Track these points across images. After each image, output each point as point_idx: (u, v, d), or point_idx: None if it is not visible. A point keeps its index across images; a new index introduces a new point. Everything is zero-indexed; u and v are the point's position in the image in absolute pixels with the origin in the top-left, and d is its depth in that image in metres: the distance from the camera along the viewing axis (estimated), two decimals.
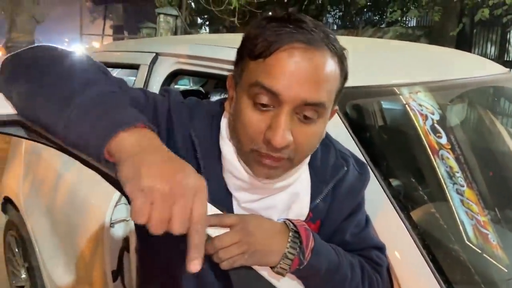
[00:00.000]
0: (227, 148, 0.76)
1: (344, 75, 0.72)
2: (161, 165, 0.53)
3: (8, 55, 0.70)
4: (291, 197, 0.80)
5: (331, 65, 0.68)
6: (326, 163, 0.84)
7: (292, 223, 0.76)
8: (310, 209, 0.82)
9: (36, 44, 0.72)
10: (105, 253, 1.52)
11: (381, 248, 0.90)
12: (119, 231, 1.54)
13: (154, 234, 0.51)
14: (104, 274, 1.54)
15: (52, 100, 0.61)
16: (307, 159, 0.80)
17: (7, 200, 2.36)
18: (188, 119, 0.79)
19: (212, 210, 0.72)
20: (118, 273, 1.56)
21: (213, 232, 0.71)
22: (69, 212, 1.80)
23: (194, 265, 0.52)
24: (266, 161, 0.69)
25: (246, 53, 0.70)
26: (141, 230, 0.93)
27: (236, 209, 0.79)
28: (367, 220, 0.90)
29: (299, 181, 0.80)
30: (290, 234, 0.74)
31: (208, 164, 0.77)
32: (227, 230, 0.71)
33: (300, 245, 0.73)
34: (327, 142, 0.87)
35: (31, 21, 6.90)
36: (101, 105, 0.60)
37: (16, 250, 2.31)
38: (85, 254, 1.67)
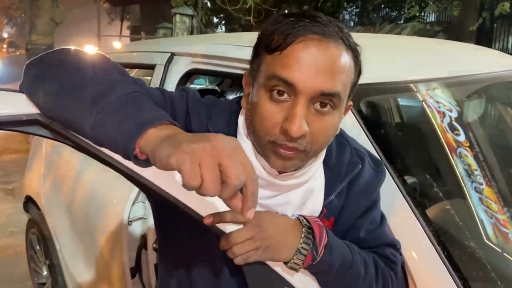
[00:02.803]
0: (245, 145, 0.77)
1: (358, 69, 0.73)
2: (195, 137, 0.55)
3: (32, 58, 0.72)
4: (305, 193, 0.80)
5: (345, 57, 0.69)
6: (341, 161, 0.85)
7: (306, 219, 0.76)
8: (324, 205, 0.83)
9: (60, 47, 0.73)
10: (124, 250, 1.54)
11: (395, 246, 0.89)
12: (137, 229, 1.57)
13: (211, 195, 0.51)
14: (123, 271, 1.57)
15: (79, 100, 0.62)
16: (322, 156, 0.80)
17: (29, 199, 2.41)
18: (206, 118, 0.80)
19: (226, 207, 0.73)
20: (136, 270, 1.58)
21: (228, 228, 0.72)
22: (88, 210, 1.83)
23: (251, 213, 0.54)
24: (282, 152, 0.69)
25: (262, 49, 0.72)
26: (161, 227, 0.95)
27: None
28: (382, 217, 0.90)
29: (314, 178, 0.81)
30: (304, 230, 0.74)
31: None
32: (241, 226, 0.72)
33: (313, 240, 0.74)
34: (343, 140, 0.87)
35: (50, 23, 7.01)
36: (127, 104, 0.62)
37: (38, 247, 2.36)
38: (104, 251, 1.70)
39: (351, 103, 0.78)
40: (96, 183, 1.79)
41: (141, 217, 1.56)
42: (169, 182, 0.71)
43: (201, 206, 0.72)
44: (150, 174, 0.70)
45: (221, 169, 0.52)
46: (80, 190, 1.90)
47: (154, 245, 1.51)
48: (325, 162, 0.82)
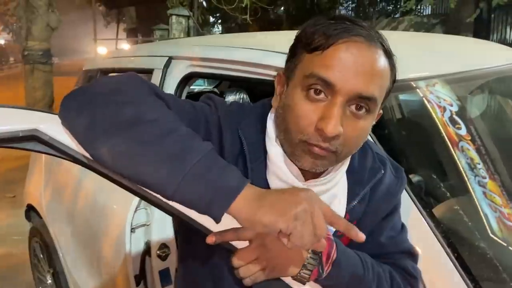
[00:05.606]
0: (274, 150, 0.76)
1: (393, 77, 0.73)
2: (287, 197, 0.63)
3: (73, 93, 0.70)
4: (328, 199, 0.80)
5: (384, 63, 0.69)
6: (363, 166, 0.84)
7: None
8: (347, 211, 0.82)
9: (103, 80, 0.73)
10: (127, 258, 1.53)
11: (415, 256, 0.89)
12: (140, 236, 1.55)
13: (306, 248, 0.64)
14: (127, 279, 1.56)
15: (154, 163, 0.62)
16: (347, 162, 0.80)
17: (30, 208, 2.40)
18: (236, 124, 0.80)
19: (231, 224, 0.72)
20: (141, 278, 1.57)
21: (237, 243, 0.71)
22: (90, 218, 1.82)
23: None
24: (314, 150, 0.69)
25: (301, 48, 0.72)
26: (184, 232, 0.94)
27: None
28: (403, 226, 0.91)
29: (337, 183, 0.80)
30: None
31: (255, 166, 0.78)
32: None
33: (320, 254, 0.72)
34: (364, 145, 0.86)
35: (46, 28, 6.98)
36: (210, 169, 0.63)
37: (41, 256, 2.35)
38: (107, 259, 1.69)
39: (381, 111, 0.77)
40: (97, 191, 1.78)
41: (144, 224, 1.55)
42: None
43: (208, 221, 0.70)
44: None
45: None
46: (82, 197, 1.89)
47: (158, 251, 1.50)
48: (347, 167, 0.81)
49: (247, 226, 0.63)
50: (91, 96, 0.69)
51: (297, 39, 0.74)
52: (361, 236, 0.65)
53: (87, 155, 0.67)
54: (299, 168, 0.75)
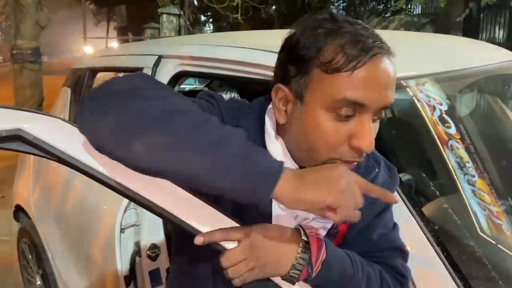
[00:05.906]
0: (273, 146, 0.77)
1: None
2: (326, 172, 0.66)
3: (88, 98, 0.68)
4: None
5: (393, 68, 0.72)
6: (358, 165, 0.84)
7: (305, 231, 0.74)
8: None
9: (111, 82, 0.70)
10: (117, 258, 1.52)
11: (406, 254, 0.89)
12: (130, 236, 1.54)
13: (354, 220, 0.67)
14: (117, 279, 1.55)
15: (197, 151, 0.62)
16: None
17: (19, 208, 2.38)
18: (235, 121, 0.81)
19: (227, 222, 0.72)
20: (131, 278, 1.56)
21: (227, 244, 0.70)
22: (79, 218, 1.81)
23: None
24: (347, 166, 0.72)
25: (315, 66, 0.69)
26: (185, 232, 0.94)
27: (276, 209, 0.79)
28: (395, 225, 0.91)
29: None
30: (301, 244, 0.73)
31: None
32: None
33: (310, 254, 0.72)
34: None
35: (35, 27, 6.91)
36: (249, 152, 0.64)
37: (30, 257, 2.33)
38: (97, 260, 1.68)
39: None
40: (86, 190, 1.77)
41: (133, 224, 1.54)
42: (165, 197, 0.68)
43: (197, 222, 0.70)
44: (146, 190, 0.68)
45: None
46: (71, 198, 1.88)
47: (148, 252, 1.50)
48: None
49: (290, 207, 0.64)
50: (110, 97, 0.67)
51: (302, 53, 0.71)
52: (395, 199, 0.71)
53: (74, 155, 0.66)
54: (298, 165, 0.76)
